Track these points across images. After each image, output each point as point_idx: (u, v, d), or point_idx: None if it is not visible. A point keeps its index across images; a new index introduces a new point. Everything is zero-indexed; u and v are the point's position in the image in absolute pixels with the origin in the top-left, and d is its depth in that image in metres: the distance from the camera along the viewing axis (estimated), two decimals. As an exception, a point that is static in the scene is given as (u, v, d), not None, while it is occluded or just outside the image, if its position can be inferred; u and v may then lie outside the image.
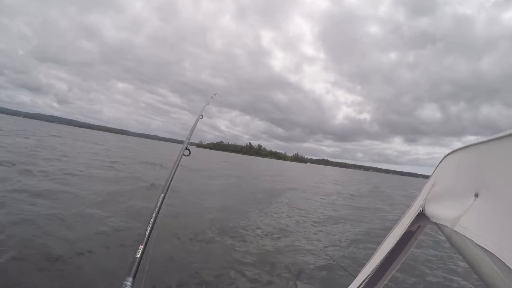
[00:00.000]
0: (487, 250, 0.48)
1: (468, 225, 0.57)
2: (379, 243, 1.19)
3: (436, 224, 0.78)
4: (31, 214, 5.69)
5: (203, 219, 7.45)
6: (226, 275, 4.44)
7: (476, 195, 0.59)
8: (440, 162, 0.97)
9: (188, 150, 2.38)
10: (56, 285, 3.53)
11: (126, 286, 1.06)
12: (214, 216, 7.97)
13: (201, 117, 3.22)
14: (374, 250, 1.20)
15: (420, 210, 0.95)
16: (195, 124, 3.02)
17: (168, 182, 1.93)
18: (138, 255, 1.27)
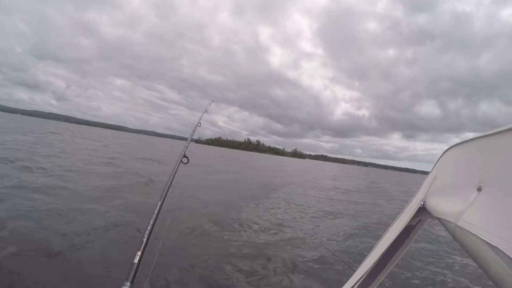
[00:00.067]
0: (493, 245, 0.47)
1: (472, 220, 0.57)
2: (376, 237, 1.20)
3: (438, 219, 0.77)
4: (30, 210, 5.73)
5: (202, 214, 7.51)
6: (224, 269, 4.50)
7: (479, 189, 0.59)
8: (440, 156, 0.97)
9: (187, 158, 2.36)
10: (56, 279, 3.58)
11: None
12: (212, 210, 8.05)
13: (199, 125, 3.23)
14: (371, 244, 1.22)
15: (421, 205, 0.95)
16: (193, 132, 3.02)
17: (166, 190, 1.96)
18: (135, 261, 1.30)
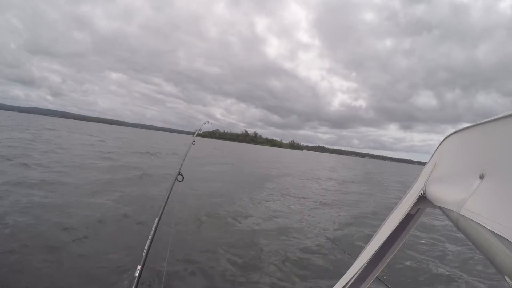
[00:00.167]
0: (498, 234, 0.46)
1: (476, 208, 0.55)
2: (372, 226, 1.33)
3: (440, 207, 0.76)
4: (29, 205, 5.91)
5: (198, 206, 7.69)
6: (223, 260, 4.69)
7: (482, 177, 0.57)
8: (440, 143, 0.95)
9: (182, 175, 2.41)
10: (57, 273, 3.74)
11: None
12: (208, 202, 8.24)
13: (193, 143, 3.38)
14: (368, 233, 1.33)
15: (421, 193, 0.93)
16: (187, 151, 3.13)
17: (162, 207, 2.00)
18: (136, 274, 1.40)
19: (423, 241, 6.84)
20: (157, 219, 1.85)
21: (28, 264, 3.77)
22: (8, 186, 7.07)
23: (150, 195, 8.30)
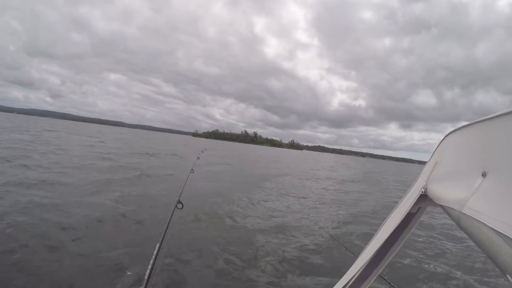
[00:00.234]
0: (501, 233, 0.45)
1: (478, 207, 0.54)
2: (372, 224, 1.31)
3: (441, 206, 0.75)
4: (29, 205, 5.92)
5: (199, 205, 7.69)
6: (226, 257, 4.72)
7: (484, 175, 0.56)
8: (441, 141, 0.94)
9: (181, 203, 2.43)
10: (57, 271, 3.77)
11: None
12: (208, 201, 8.24)
13: (192, 172, 3.40)
14: (367, 231, 1.31)
15: (422, 192, 0.92)
16: (187, 178, 3.13)
17: (163, 234, 2.01)
18: None
19: (421, 239, 6.87)
20: (158, 244, 1.85)
21: (28, 263, 3.80)
22: (8, 187, 7.09)
23: (149, 195, 8.33)
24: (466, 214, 0.57)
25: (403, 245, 1.17)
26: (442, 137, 0.93)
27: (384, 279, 2.40)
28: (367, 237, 6.46)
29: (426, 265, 5.30)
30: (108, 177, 10.19)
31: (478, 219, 0.52)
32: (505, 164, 0.52)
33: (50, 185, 7.92)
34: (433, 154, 0.99)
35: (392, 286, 2.45)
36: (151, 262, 1.70)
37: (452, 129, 0.85)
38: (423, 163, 1.13)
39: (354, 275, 1.21)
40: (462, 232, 0.60)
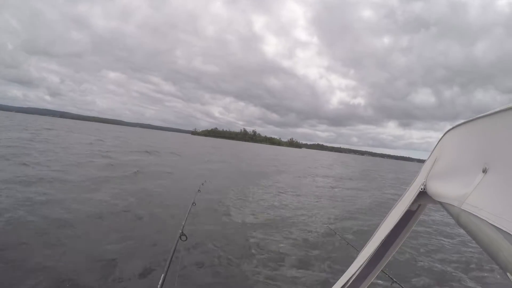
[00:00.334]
0: (502, 229, 0.45)
1: (478, 203, 0.54)
2: (368, 220, 1.31)
3: (440, 203, 0.75)
4: (29, 202, 6.06)
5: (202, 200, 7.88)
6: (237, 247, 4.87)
7: (485, 171, 0.56)
8: (441, 137, 0.93)
9: (185, 236, 2.40)
10: (58, 266, 3.88)
11: None
12: (207, 198, 8.38)
13: (194, 204, 3.49)
14: (363, 227, 1.34)
15: (422, 189, 0.93)
16: (188, 211, 3.22)
17: (167, 265, 2.00)
18: None
19: (421, 234, 7.01)
20: (163, 275, 1.87)
21: (27, 259, 3.90)
22: (8, 184, 7.23)
23: (147, 192, 8.53)
24: (465, 210, 0.57)
25: (403, 243, 1.20)
26: (442, 134, 0.94)
27: (386, 274, 2.41)
28: (365, 233, 6.67)
29: (426, 261, 5.40)
30: (107, 174, 10.36)
31: (478, 215, 0.52)
32: (506, 160, 0.51)
33: (48, 183, 8.06)
34: (432, 151, 0.99)
35: (395, 281, 2.47)
36: None
37: (452, 125, 0.86)
38: (422, 161, 1.13)
39: (355, 273, 1.23)
40: (461, 229, 0.60)
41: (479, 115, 0.65)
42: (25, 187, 7.28)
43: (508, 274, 0.42)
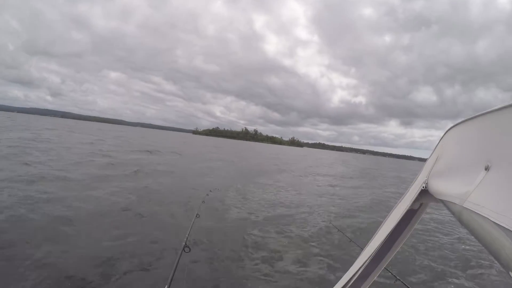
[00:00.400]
0: (504, 227, 0.44)
1: (480, 201, 0.53)
2: (369, 218, 1.28)
3: (442, 201, 0.75)
4: (31, 200, 6.10)
5: (196, 199, 7.89)
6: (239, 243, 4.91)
7: (487, 169, 0.55)
8: (443, 135, 0.92)
9: (189, 248, 2.44)
10: (60, 262, 3.91)
11: None
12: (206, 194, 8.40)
13: (197, 216, 3.50)
14: (366, 223, 1.30)
15: (423, 187, 0.92)
16: (192, 224, 3.21)
17: (171, 277, 2.03)
18: None
19: (424, 232, 7.02)
20: (166, 286, 1.90)
21: (30, 256, 3.94)
22: (10, 183, 7.27)
23: (149, 190, 8.61)
24: (467, 208, 0.57)
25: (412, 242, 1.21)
26: (443, 132, 0.93)
27: (389, 271, 2.41)
28: (367, 230, 6.70)
29: (429, 259, 5.40)
30: (108, 173, 10.42)
31: (480, 213, 0.52)
32: (509, 157, 0.51)
33: (50, 181, 8.11)
34: (434, 149, 0.98)
35: (398, 279, 2.46)
36: None
37: (454, 123, 0.85)
38: (423, 160, 1.12)
39: (357, 271, 1.23)
40: (463, 227, 0.59)
41: (481, 112, 0.64)
42: (27, 185, 7.33)
43: (510, 272, 0.41)
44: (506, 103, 0.54)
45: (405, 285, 2.39)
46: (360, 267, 1.22)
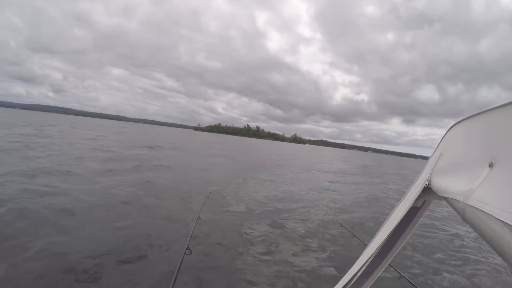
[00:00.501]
0: (510, 224, 0.43)
1: (485, 198, 0.53)
2: (370, 214, 1.27)
3: (445, 198, 0.75)
4: (35, 193, 6.13)
5: (198, 194, 7.89)
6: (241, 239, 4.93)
7: (491, 165, 0.55)
8: (446, 132, 0.92)
9: (190, 250, 2.49)
10: (64, 253, 3.93)
11: None
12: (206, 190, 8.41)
13: (198, 219, 3.50)
14: (370, 218, 1.30)
15: (426, 184, 0.91)
16: (193, 227, 3.21)
17: (173, 282, 2.03)
18: None
19: (427, 229, 7.02)
20: None
21: (33, 246, 3.99)
22: (13, 177, 7.32)
23: (151, 184, 8.69)
24: (471, 205, 0.56)
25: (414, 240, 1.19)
26: (446, 130, 0.92)
27: (392, 267, 2.38)
28: (369, 226, 6.73)
29: (432, 256, 5.39)
30: (110, 167, 10.53)
31: (484, 210, 0.51)
32: None
33: (52, 175, 8.16)
34: (437, 146, 0.98)
35: (402, 276, 2.46)
36: None
37: (457, 120, 0.85)
38: (425, 158, 1.16)
39: (361, 268, 1.23)
40: (467, 224, 0.59)
41: (485, 109, 0.64)
42: (29, 179, 7.38)
43: None
44: (510, 100, 0.54)
45: (409, 281, 2.37)
46: (364, 264, 1.21)
